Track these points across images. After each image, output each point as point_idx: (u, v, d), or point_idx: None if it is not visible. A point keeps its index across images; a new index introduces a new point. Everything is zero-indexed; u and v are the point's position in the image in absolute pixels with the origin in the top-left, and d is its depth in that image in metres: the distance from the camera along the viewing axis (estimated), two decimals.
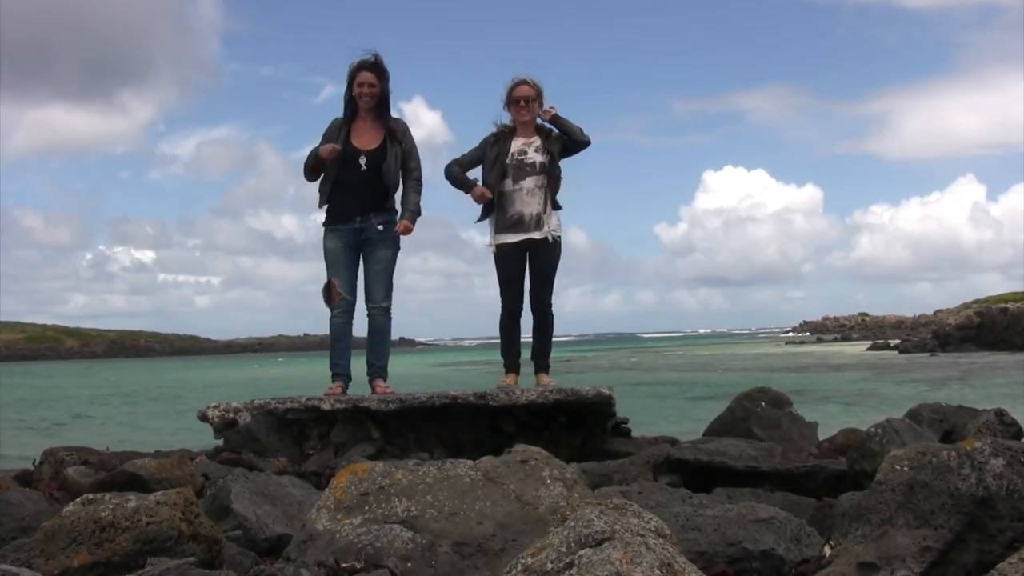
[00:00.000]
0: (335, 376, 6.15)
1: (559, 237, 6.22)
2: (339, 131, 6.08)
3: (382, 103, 6.08)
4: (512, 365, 6.34)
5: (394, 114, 6.20)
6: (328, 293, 6.08)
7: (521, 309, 6.27)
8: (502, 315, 6.27)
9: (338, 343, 6.17)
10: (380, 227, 6.06)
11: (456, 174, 6.27)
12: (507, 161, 6.15)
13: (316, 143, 6.12)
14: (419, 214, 6.15)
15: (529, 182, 6.14)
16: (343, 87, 6.13)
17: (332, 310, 6.09)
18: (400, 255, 6.22)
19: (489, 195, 6.13)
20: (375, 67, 6.02)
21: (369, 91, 6.00)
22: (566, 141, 6.21)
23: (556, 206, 6.23)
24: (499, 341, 6.41)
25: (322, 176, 6.15)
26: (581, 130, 6.19)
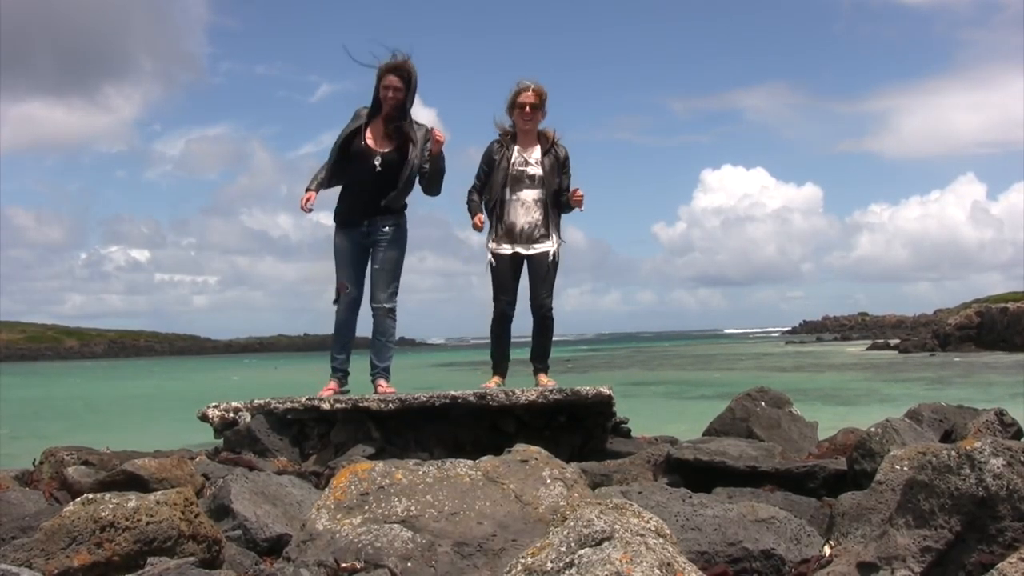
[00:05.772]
0: (333, 371, 6.16)
1: (556, 251, 6.17)
2: (357, 127, 5.99)
3: (404, 108, 5.97)
4: (497, 368, 6.33)
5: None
6: (338, 294, 6.13)
7: (512, 315, 6.25)
8: (492, 319, 6.27)
9: (339, 334, 6.17)
10: (386, 229, 6.05)
11: (472, 203, 6.24)
12: (507, 171, 6.13)
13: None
14: (443, 171, 6.08)
15: (526, 194, 6.13)
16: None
17: (337, 304, 6.12)
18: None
19: (481, 225, 6.15)
20: (403, 71, 5.91)
21: (395, 96, 5.91)
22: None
23: (557, 222, 6.19)
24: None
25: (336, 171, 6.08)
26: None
